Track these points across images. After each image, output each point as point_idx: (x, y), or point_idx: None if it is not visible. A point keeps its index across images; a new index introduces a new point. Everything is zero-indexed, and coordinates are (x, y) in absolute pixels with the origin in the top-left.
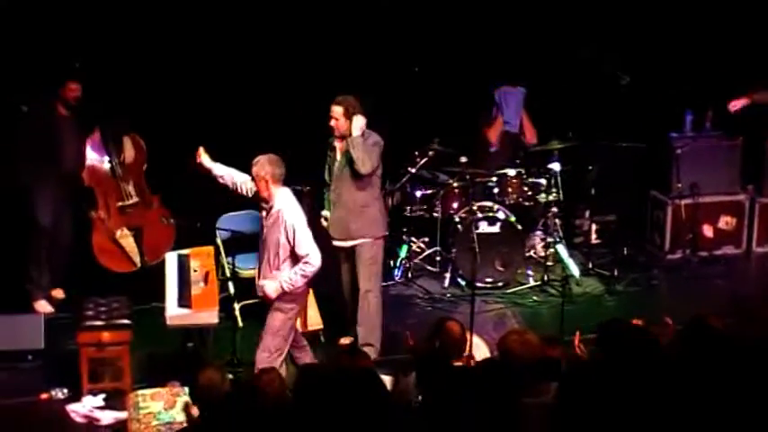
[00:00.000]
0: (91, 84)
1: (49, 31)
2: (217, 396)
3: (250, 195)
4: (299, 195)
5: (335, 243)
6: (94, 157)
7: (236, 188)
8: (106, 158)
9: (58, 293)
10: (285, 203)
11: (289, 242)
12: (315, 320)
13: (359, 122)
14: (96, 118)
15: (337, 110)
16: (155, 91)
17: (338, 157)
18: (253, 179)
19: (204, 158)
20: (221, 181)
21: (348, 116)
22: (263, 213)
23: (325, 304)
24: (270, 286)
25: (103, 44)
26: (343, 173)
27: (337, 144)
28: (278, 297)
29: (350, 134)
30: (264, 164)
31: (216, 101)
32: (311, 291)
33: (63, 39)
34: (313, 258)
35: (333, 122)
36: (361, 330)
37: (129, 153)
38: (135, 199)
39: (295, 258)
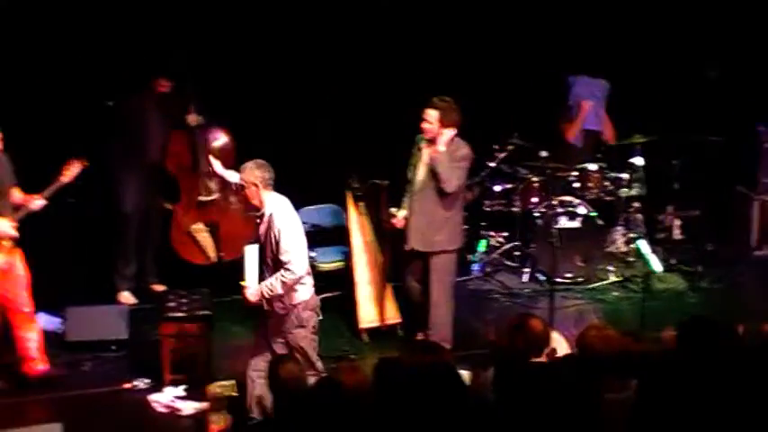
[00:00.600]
0: (181, 78)
1: (141, 26)
2: (297, 389)
3: None
4: (377, 189)
5: (408, 248)
6: (180, 150)
7: None
8: (189, 151)
9: (158, 287)
10: (276, 207)
11: (276, 245)
12: (392, 314)
13: (446, 136)
14: (184, 111)
15: (432, 114)
16: (247, 86)
17: (424, 159)
18: (242, 187)
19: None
20: None
21: (442, 124)
22: (257, 221)
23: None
24: (251, 290)
25: (197, 40)
26: (428, 182)
27: (424, 147)
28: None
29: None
30: (253, 169)
31: (306, 95)
32: (389, 284)
33: (155, 34)
34: (295, 266)
35: (425, 125)
36: (434, 336)
37: (214, 148)
38: (215, 195)
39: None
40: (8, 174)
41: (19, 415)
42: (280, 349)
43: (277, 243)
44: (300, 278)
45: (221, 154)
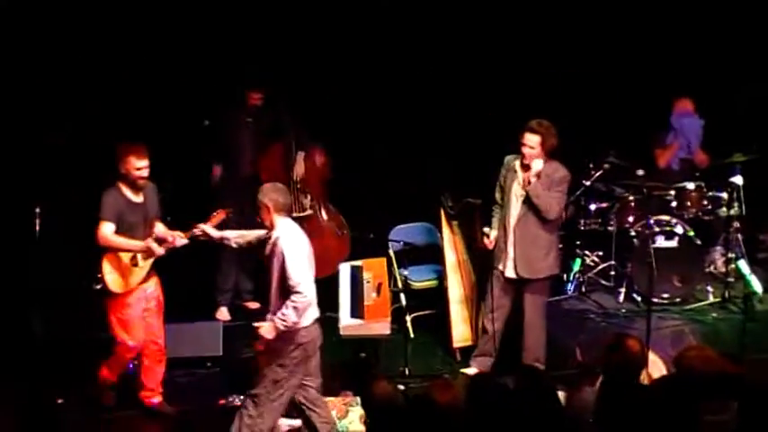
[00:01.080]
0: (275, 93)
1: (230, 40)
2: (390, 408)
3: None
4: (471, 208)
5: (509, 275)
6: (275, 166)
7: (251, 242)
8: (284, 168)
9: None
10: (284, 232)
11: (282, 271)
12: (463, 336)
13: (537, 166)
14: (279, 128)
15: (533, 139)
16: (343, 103)
17: (520, 183)
18: (258, 208)
19: (209, 230)
20: (234, 244)
21: (543, 148)
22: (267, 243)
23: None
24: (265, 328)
25: (287, 52)
26: (527, 208)
27: (520, 170)
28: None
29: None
30: (269, 191)
31: (401, 113)
32: (466, 306)
33: (245, 48)
34: (303, 288)
35: (526, 150)
36: (528, 358)
37: (305, 165)
38: (308, 212)
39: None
40: (154, 204)
41: (115, 429)
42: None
43: (282, 267)
44: (310, 303)
45: (316, 171)
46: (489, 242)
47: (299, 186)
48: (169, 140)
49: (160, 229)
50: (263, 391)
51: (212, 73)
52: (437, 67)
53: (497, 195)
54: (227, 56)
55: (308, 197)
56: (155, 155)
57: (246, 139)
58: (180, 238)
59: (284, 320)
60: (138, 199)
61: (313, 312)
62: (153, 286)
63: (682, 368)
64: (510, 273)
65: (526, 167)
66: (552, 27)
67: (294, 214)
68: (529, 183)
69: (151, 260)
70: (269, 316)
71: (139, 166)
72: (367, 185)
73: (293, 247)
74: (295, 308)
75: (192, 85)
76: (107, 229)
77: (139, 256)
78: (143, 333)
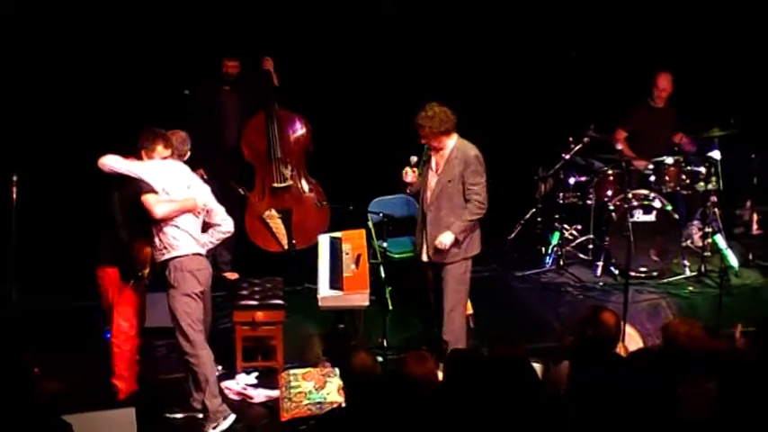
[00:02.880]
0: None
1: (209, 9)
2: (369, 380)
3: None
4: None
5: (424, 259)
6: (255, 137)
7: None
8: (265, 138)
9: (231, 275)
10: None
11: None
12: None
13: (445, 240)
14: (262, 98)
15: (424, 130)
16: (324, 72)
17: (433, 170)
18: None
19: None
20: None
21: (440, 132)
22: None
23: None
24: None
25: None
26: (444, 192)
27: (432, 156)
28: None
29: (442, 147)
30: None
31: (382, 86)
32: None
33: (219, 17)
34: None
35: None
36: (451, 345)
37: (287, 136)
38: (289, 182)
39: None
40: None
41: (92, 399)
42: None
43: None
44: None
45: (298, 142)
46: (410, 175)
47: (279, 157)
48: (148, 109)
49: None
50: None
51: (190, 41)
52: (419, 39)
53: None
54: (206, 24)
55: (289, 168)
56: (135, 124)
57: (228, 109)
58: None
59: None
60: None
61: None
62: None
63: (668, 341)
64: (425, 257)
65: (436, 151)
66: (530, 3)
67: (275, 185)
68: (456, 241)
69: None
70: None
71: (165, 155)
72: (346, 157)
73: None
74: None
75: (171, 53)
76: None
77: None
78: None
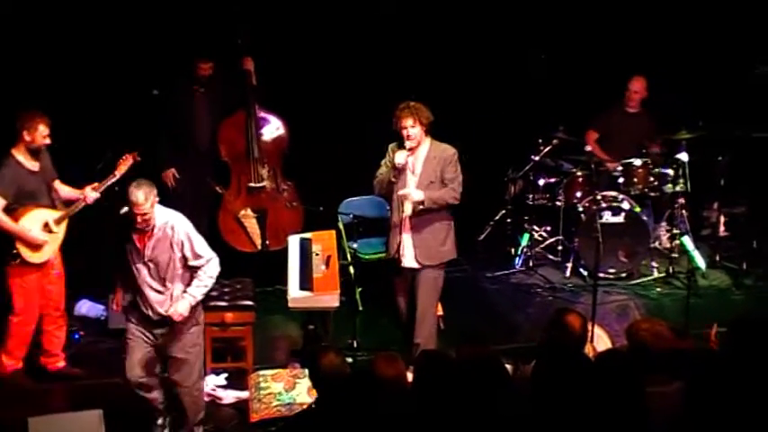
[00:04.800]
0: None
1: (181, 10)
2: (338, 380)
3: None
4: None
5: (408, 264)
6: (234, 136)
7: None
8: (244, 137)
9: None
10: (170, 217)
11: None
12: None
13: (415, 197)
14: (242, 97)
15: (410, 122)
16: (301, 75)
17: (411, 171)
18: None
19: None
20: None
21: (423, 128)
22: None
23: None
24: (179, 307)
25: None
26: (426, 192)
27: (410, 155)
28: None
29: (419, 144)
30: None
31: (355, 88)
32: None
33: (193, 16)
34: (216, 260)
35: (406, 134)
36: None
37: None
38: (265, 182)
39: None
40: (50, 167)
41: (60, 400)
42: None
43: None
44: None
45: (275, 143)
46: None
47: (257, 157)
48: (116, 109)
49: (65, 190)
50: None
51: (163, 42)
52: (390, 42)
53: (379, 188)
54: (179, 24)
55: (266, 168)
56: (105, 124)
57: (200, 111)
58: (91, 192)
59: (199, 296)
60: (36, 166)
61: None
62: (54, 253)
63: (633, 341)
64: (409, 262)
65: (412, 150)
66: (500, 5)
67: (251, 184)
68: (422, 204)
69: (64, 225)
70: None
71: (46, 133)
72: (317, 157)
73: (189, 227)
74: (211, 277)
75: (142, 53)
76: None
77: (51, 221)
78: (42, 301)
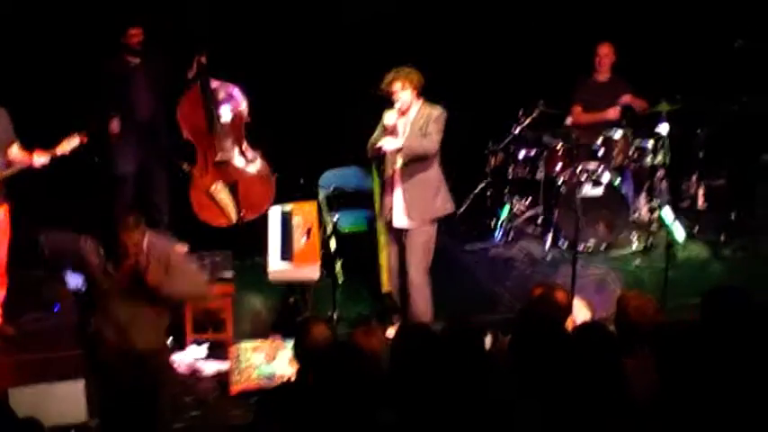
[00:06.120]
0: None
1: None
2: (322, 352)
3: None
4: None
5: (399, 224)
6: (193, 111)
7: None
8: (204, 112)
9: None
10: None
11: None
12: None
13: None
14: (195, 73)
15: (399, 85)
16: (259, 43)
17: (401, 134)
18: None
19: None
20: None
21: (414, 90)
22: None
23: None
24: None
25: None
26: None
27: (399, 117)
28: None
29: (409, 107)
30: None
31: (329, 56)
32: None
33: None
34: None
35: (396, 98)
36: (417, 317)
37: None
38: (232, 153)
39: None
40: (7, 129)
41: (41, 371)
42: None
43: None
44: None
45: (235, 113)
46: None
47: (219, 130)
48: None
49: (14, 151)
50: None
51: (90, 14)
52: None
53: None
54: None
55: (230, 139)
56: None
57: (137, 85)
58: (38, 158)
59: None
60: None
61: None
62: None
63: (619, 312)
64: (400, 221)
65: (403, 112)
66: None
67: (218, 158)
68: (399, 151)
69: None
70: None
71: None
72: (297, 128)
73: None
74: None
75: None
76: None
77: None
78: None
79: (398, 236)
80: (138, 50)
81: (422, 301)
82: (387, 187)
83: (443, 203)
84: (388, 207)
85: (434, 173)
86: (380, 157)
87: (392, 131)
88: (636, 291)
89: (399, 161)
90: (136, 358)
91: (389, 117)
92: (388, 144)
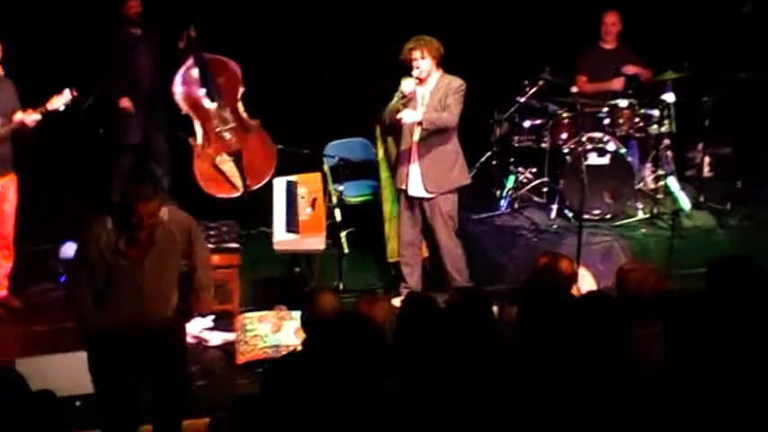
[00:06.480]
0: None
1: None
2: (329, 321)
3: None
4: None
5: (415, 194)
6: (189, 85)
7: None
8: (201, 86)
9: None
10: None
11: None
12: (397, 251)
13: (409, 118)
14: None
15: (418, 54)
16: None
17: (420, 102)
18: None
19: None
20: None
21: (434, 60)
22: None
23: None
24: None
25: None
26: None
27: (417, 85)
28: None
29: (428, 76)
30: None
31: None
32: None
33: None
34: None
35: (415, 65)
36: (454, 280)
37: (223, 79)
38: (232, 124)
39: None
40: (11, 98)
41: (48, 342)
42: None
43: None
44: None
45: (230, 83)
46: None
47: (217, 101)
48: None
49: (16, 118)
50: None
51: None
52: None
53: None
54: None
55: (228, 110)
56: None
57: (139, 55)
58: (29, 116)
59: None
60: None
61: None
62: (6, 183)
63: (619, 283)
64: (416, 191)
65: (421, 81)
66: None
67: (218, 129)
68: (420, 124)
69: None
70: None
71: None
72: (304, 99)
73: None
74: None
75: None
76: None
77: None
78: None
79: (414, 205)
80: (137, 21)
81: (456, 263)
82: (403, 157)
83: (460, 175)
84: (404, 176)
85: (452, 145)
86: (395, 125)
87: (410, 99)
88: (634, 262)
89: (417, 133)
90: (164, 328)
91: (408, 84)
92: (408, 116)
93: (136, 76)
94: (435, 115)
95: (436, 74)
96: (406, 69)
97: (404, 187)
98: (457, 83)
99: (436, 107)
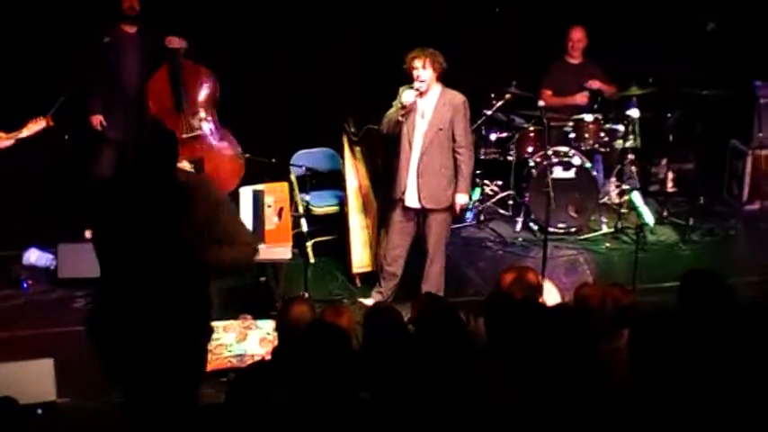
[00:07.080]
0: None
1: None
2: (301, 331)
3: None
4: (373, 134)
5: (411, 205)
6: (159, 89)
7: None
8: (171, 91)
9: None
10: None
11: None
12: (363, 262)
13: (435, 90)
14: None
15: (419, 63)
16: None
17: (420, 115)
18: None
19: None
20: None
21: (435, 73)
22: None
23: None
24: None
25: None
26: (435, 139)
27: (418, 98)
28: None
29: (428, 89)
30: None
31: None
32: (366, 232)
33: None
34: None
35: (417, 76)
36: (430, 287)
37: (196, 87)
38: (197, 132)
39: None
40: None
41: (10, 349)
42: None
43: None
44: None
45: (205, 93)
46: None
47: (186, 109)
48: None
49: None
50: None
51: None
52: None
53: (385, 127)
54: None
55: (197, 117)
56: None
57: (128, 55)
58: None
59: None
60: None
61: None
62: None
63: (579, 305)
64: (412, 203)
65: (422, 93)
66: None
67: (184, 135)
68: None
69: None
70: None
71: None
72: (270, 108)
73: None
74: None
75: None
76: None
77: None
78: None
79: (410, 216)
80: (131, 17)
81: (437, 273)
82: (402, 168)
83: (454, 193)
84: (402, 187)
85: (449, 163)
86: (387, 135)
87: (410, 111)
88: (586, 283)
89: (419, 145)
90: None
91: (408, 95)
92: (461, 201)
93: (121, 74)
94: (467, 181)
95: (436, 87)
96: (397, 79)
97: (401, 197)
98: (459, 99)
99: (440, 125)
